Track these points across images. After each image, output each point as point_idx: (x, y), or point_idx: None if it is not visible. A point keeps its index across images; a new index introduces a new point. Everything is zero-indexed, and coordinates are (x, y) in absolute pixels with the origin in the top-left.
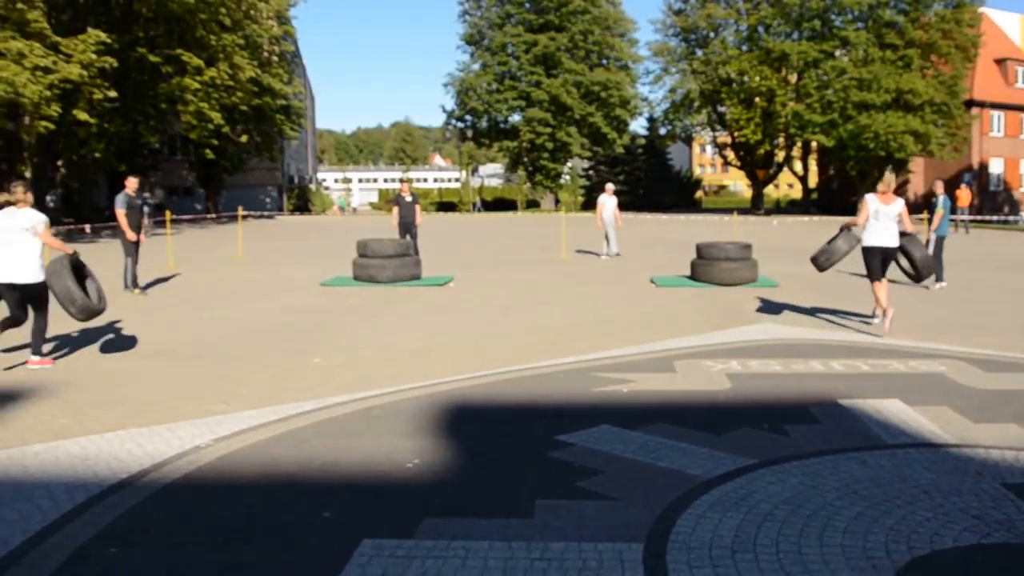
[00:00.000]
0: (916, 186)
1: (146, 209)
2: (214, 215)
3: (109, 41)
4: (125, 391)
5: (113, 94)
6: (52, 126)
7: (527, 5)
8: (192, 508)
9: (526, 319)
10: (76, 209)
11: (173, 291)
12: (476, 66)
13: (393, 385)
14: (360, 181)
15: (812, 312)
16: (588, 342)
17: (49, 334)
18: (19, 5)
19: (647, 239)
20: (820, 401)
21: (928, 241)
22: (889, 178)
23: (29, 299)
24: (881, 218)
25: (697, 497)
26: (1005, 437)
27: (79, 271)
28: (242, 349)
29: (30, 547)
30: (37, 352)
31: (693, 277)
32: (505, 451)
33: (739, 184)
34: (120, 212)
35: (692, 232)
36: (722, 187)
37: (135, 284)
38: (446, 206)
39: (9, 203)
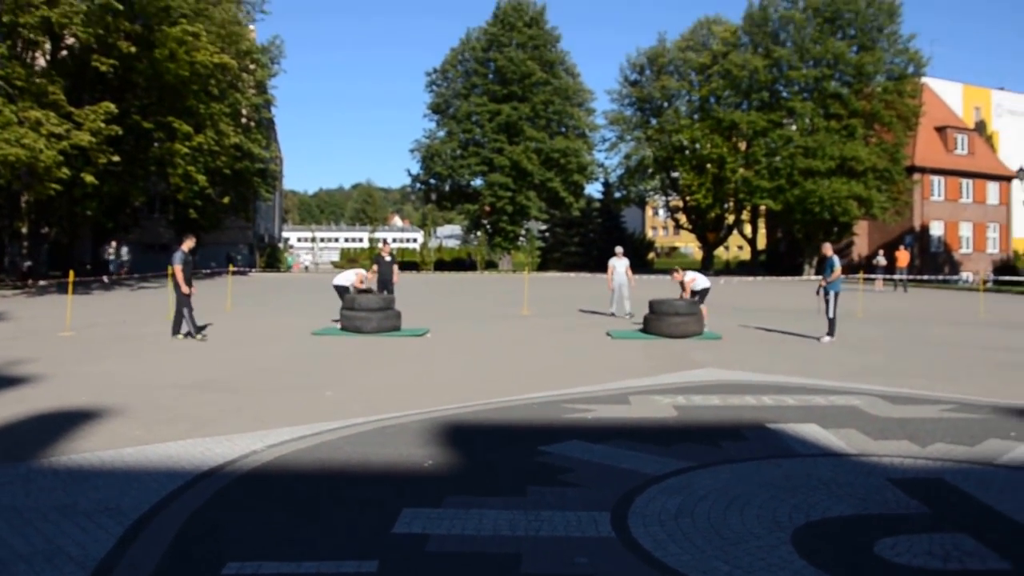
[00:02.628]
0: (860, 248)
1: (111, 267)
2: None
3: (117, 112)
4: (177, 413)
5: (117, 159)
6: (60, 187)
7: (491, 76)
8: (267, 489)
9: (498, 364)
10: (64, 264)
11: (182, 338)
12: (441, 133)
13: (397, 411)
14: (322, 240)
15: (749, 360)
16: (554, 382)
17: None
18: (38, 80)
19: (602, 297)
20: (750, 425)
21: (827, 299)
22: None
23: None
24: (699, 276)
25: (649, 486)
26: (897, 449)
27: (369, 290)
28: (262, 383)
29: (159, 510)
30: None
31: (645, 330)
32: (498, 456)
33: (690, 246)
34: (178, 268)
35: (644, 291)
36: (674, 248)
37: (198, 330)
38: (407, 265)
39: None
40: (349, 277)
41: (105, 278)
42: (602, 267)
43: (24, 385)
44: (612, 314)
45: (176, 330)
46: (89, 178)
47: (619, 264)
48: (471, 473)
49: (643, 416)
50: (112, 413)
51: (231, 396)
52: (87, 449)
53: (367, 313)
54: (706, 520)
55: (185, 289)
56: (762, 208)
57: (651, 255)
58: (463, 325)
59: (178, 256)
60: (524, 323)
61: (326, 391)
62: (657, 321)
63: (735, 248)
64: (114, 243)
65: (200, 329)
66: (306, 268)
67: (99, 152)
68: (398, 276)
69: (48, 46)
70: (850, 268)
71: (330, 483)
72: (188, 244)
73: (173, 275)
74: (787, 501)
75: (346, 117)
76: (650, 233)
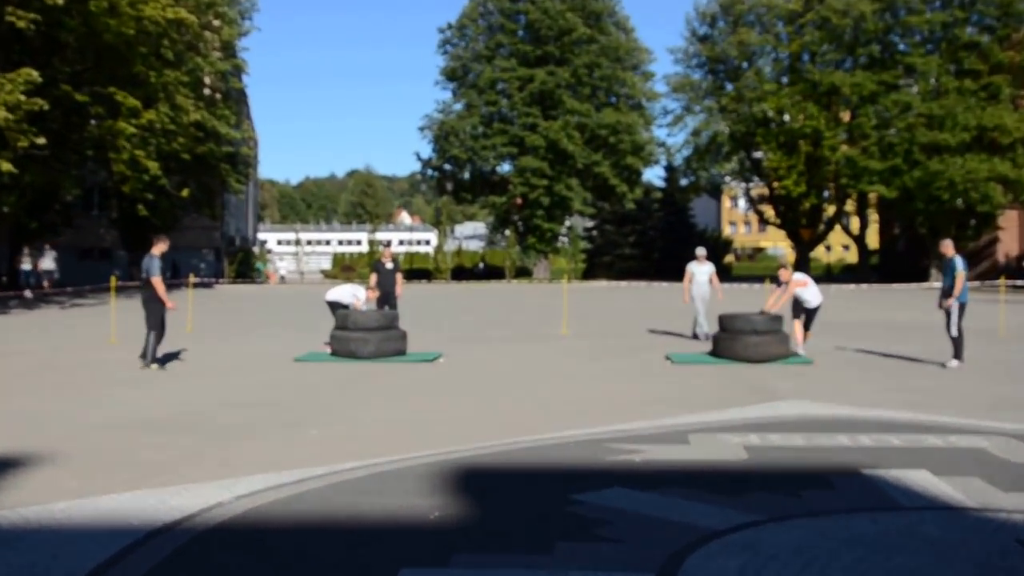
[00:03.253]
0: (1008, 246)
1: (27, 280)
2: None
3: (41, 81)
4: (123, 458)
5: (42, 141)
6: None
7: (522, 34)
8: (235, 547)
9: (528, 396)
10: None
11: (133, 364)
12: (459, 106)
13: (398, 454)
14: (309, 243)
15: (846, 390)
16: (596, 417)
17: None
18: None
19: (664, 311)
20: (840, 471)
21: (948, 312)
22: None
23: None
24: (812, 286)
25: (706, 543)
26: None
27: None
28: (232, 422)
29: (99, 574)
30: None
31: (715, 353)
32: (521, 506)
33: (780, 247)
34: (157, 279)
35: (720, 304)
36: (759, 250)
37: (155, 359)
38: (418, 273)
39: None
40: (347, 293)
41: (27, 293)
42: (665, 274)
43: None
44: (694, 336)
45: (151, 356)
46: (6, 165)
47: (700, 271)
48: (487, 526)
49: (704, 459)
50: (40, 460)
51: (191, 437)
52: (7, 506)
53: (364, 333)
54: None
55: (170, 304)
56: (872, 196)
57: (729, 258)
58: (484, 348)
59: (155, 264)
60: (562, 345)
61: (311, 430)
62: (730, 341)
63: (839, 248)
64: (27, 249)
65: (158, 361)
66: (282, 278)
67: (18, 132)
68: (402, 287)
69: None
70: (993, 273)
71: (312, 539)
72: (161, 248)
73: (152, 288)
74: (880, 564)
75: (339, 90)
76: (727, 230)
